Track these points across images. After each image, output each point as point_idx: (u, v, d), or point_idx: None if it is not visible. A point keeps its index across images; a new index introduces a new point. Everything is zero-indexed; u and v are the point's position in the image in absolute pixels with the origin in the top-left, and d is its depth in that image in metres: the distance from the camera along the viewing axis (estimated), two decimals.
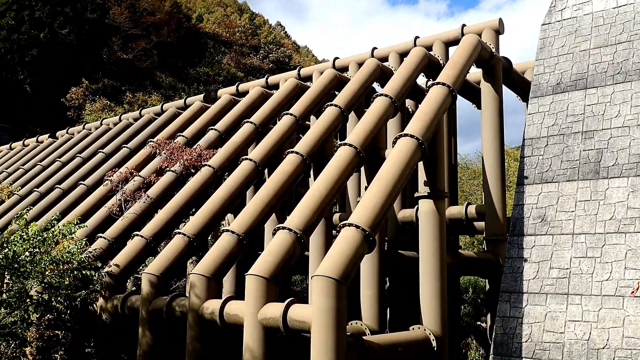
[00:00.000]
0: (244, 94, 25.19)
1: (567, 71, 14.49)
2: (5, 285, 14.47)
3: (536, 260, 12.74)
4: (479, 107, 19.90)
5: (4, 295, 14.22)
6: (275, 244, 12.56)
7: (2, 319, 14.33)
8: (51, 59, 50.98)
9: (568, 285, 12.09)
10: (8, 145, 37.84)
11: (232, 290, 18.68)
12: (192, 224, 15.51)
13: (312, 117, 21.83)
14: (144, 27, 61.07)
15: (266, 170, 18.00)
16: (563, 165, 13.40)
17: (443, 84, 15.32)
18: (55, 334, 15.21)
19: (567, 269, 12.25)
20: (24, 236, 14.47)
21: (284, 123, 18.57)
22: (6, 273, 14.00)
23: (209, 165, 18.05)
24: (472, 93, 20.43)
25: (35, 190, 25.91)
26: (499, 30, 18.82)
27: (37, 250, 14.47)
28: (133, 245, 16.09)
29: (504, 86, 18.93)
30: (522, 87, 20.50)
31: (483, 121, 18.47)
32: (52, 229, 15.06)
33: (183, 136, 22.57)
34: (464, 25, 19.39)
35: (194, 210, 17.65)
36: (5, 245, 14.17)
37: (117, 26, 59.11)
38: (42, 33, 50.35)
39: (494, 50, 18.30)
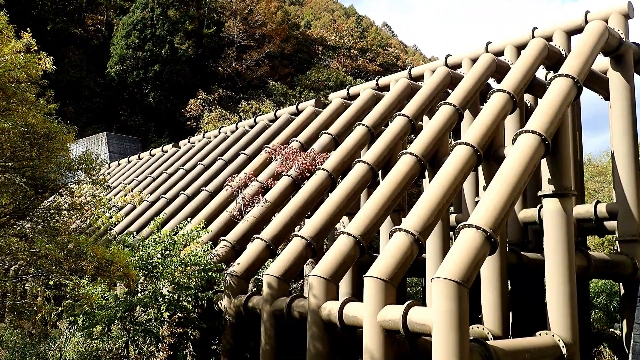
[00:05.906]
0: (355, 97, 25.30)
1: None
2: (139, 285, 15.57)
3: None
4: (606, 98, 18.54)
5: (139, 295, 15.31)
6: (392, 246, 12.47)
7: (138, 317, 15.43)
8: (171, 73, 54.43)
9: None
10: (137, 156, 40.80)
11: (349, 292, 18.78)
12: (309, 226, 15.79)
13: (425, 117, 21.46)
14: (255, 38, 63.43)
15: (380, 172, 17.94)
16: None
17: (567, 75, 14.45)
18: (184, 331, 16.11)
19: None
20: (157, 239, 15.55)
21: (396, 124, 18.42)
22: (141, 274, 15.07)
23: (324, 169, 18.30)
24: (599, 83, 19.08)
25: (162, 197, 27.70)
26: (628, 14, 17.43)
27: (168, 252, 15.46)
28: (254, 247, 16.68)
29: (635, 75, 17.52)
30: None
31: (612, 113, 17.19)
32: (182, 233, 16.01)
33: (297, 141, 23.07)
34: (587, 12, 18.16)
35: (310, 213, 17.98)
36: (140, 247, 15.31)
37: (231, 39, 61.91)
38: (163, 49, 53.93)
39: (622, 36, 16.99)
